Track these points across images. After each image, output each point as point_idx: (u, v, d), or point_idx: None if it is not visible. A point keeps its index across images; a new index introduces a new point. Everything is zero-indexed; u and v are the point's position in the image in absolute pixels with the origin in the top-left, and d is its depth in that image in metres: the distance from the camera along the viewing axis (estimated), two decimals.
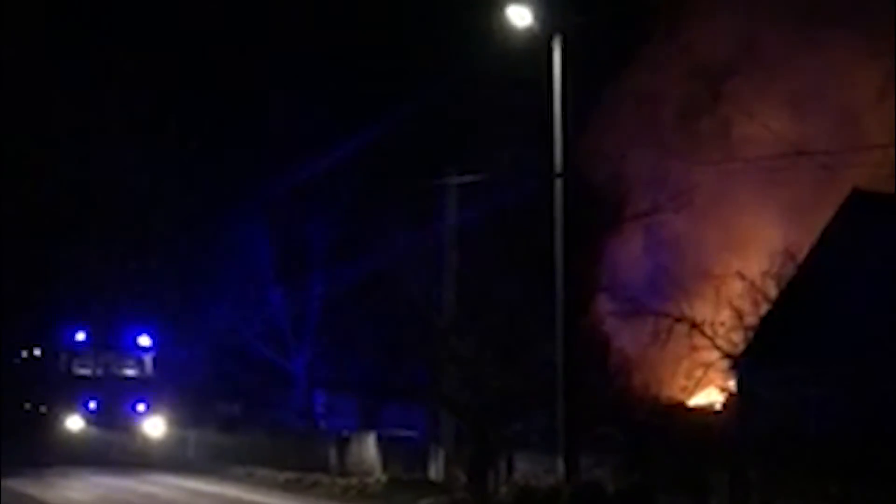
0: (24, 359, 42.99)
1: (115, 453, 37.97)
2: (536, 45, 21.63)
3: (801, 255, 22.41)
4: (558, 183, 21.57)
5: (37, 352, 42.52)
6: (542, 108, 21.69)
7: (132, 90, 36.24)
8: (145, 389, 40.07)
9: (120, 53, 36.23)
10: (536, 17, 20.89)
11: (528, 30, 21.35)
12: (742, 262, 23.52)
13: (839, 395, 20.83)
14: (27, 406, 41.14)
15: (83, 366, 40.88)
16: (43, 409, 40.28)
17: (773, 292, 22.22)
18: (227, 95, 34.70)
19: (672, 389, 24.50)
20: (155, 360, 40.57)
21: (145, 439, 39.61)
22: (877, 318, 20.66)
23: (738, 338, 22.38)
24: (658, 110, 29.21)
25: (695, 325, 22.66)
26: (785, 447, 18.88)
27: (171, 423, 39.76)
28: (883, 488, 16.65)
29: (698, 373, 23.05)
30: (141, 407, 39.83)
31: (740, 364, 22.48)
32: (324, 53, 32.38)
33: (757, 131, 25.22)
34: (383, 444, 28.05)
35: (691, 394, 24.39)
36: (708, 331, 22.42)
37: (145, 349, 40.89)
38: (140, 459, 37.22)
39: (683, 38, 28.65)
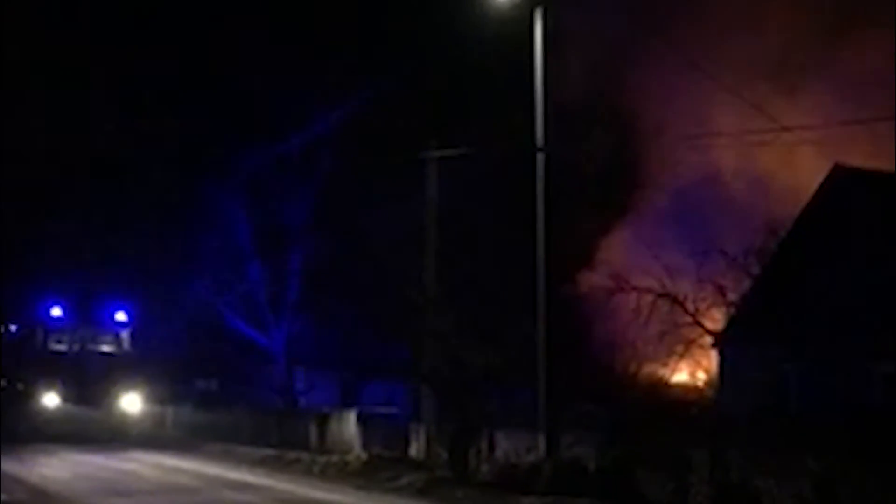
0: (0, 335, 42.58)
1: (93, 430, 37.68)
2: (519, 17, 21.41)
3: (784, 231, 22.33)
4: (540, 157, 21.39)
5: (12, 328, 42.09)
6: (524, 80, 21.50)
7: (107, 63, 35.74)
8: (123, 365, 39.75)
9: (96, 25, 35.75)
10: None
11: (511, 1, 21.12)
12: (724, 239, 23.43)
13: (820, 372, 20.83)
14: (2, 383, 40.77)
15: (59, 341, 40.49)
16: (20, 385, 39.91)
17: (755, 269, 22.16)
18: (205, 68, 34.26)
19: (654, 366, 24.44)
20: (132, 336, 40.23)
21: (123, 416, 39.34)
22: (859, 295, 20.62)
23: (719, 314, 22.32)
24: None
25: (677, 302, 22.58)
26: (766, 424, 18.85)
27: (149, 399, 39.50)
28: (863, 465, 16.61)
29: (680, 350, 23.01)
30: (118, 383, 39.52)
31: (722, 341, 22.43)
32: (302, 25, 32.00)
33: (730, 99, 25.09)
34: (364, 421, 27.92)
35: (673, 371, 24.35)
36: (690, 307, 22.34)
37: (122, 325, 40.53)
38: (118, 436, 36.98)
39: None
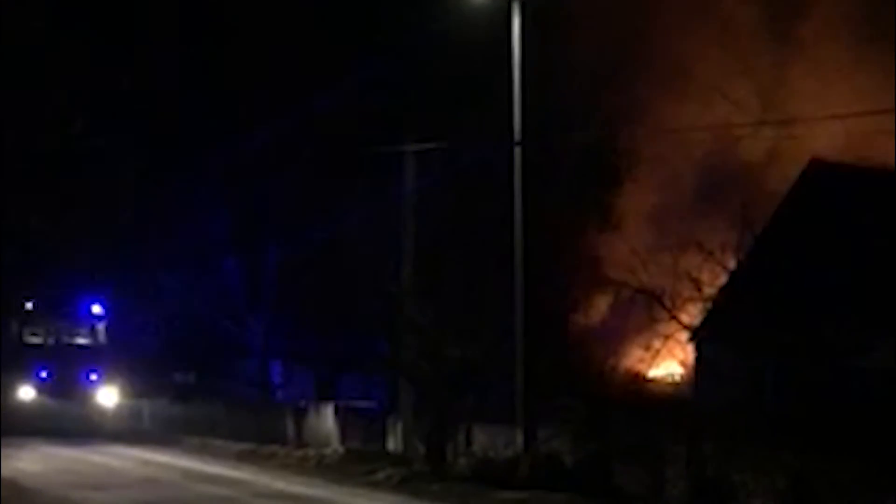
0: None
1: (68, 423, 37.43)
2: (496, 10, 21.39)
3: (760, 226, 22.38)
4: (517, 150, 21.40)
5: None
6: (501, 73, 21.49)
7: (80, 51, 35.41)
8: (98, 358, 39.46)
9: (68, 13, 35.44)
10: None
11: None
12: (701, 233, 23.46)
13: (796, 367, 20.88)
14: None
15: (34, 334, 40.15)
16: None
17: (731, 263, 22.19)
18: (181, 58, 34.03)
19: (631, 361, 24.50)
20: (108, 329, 39.92)
21: (99, 409, 39.10)
22: (835, 290, 20.69)
23: (696, 309, 22.36)
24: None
25: (654, 297, 22.60)
26: (741, 419, 18.92)
27: (125, 392, 39.27)
28: (838, 460, 16.71)
29: (657, 344, 23.05)
30: (94, 376, 39.24)
31: (698, 335, 22.48)
32: (279, 19, 31.83)
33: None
34: (341, 415, 27.87)
35: (650, 365, 24.41)
36: (667, 302, 22.37)
37: (98, 317, 40.22)
38: (93, 429, 36.77)
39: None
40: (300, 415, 29.30)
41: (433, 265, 24.19)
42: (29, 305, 40.17)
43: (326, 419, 28.20)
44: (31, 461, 28.05)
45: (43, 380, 39.63)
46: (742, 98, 24.77)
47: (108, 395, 39.32)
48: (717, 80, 25.89)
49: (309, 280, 32.82)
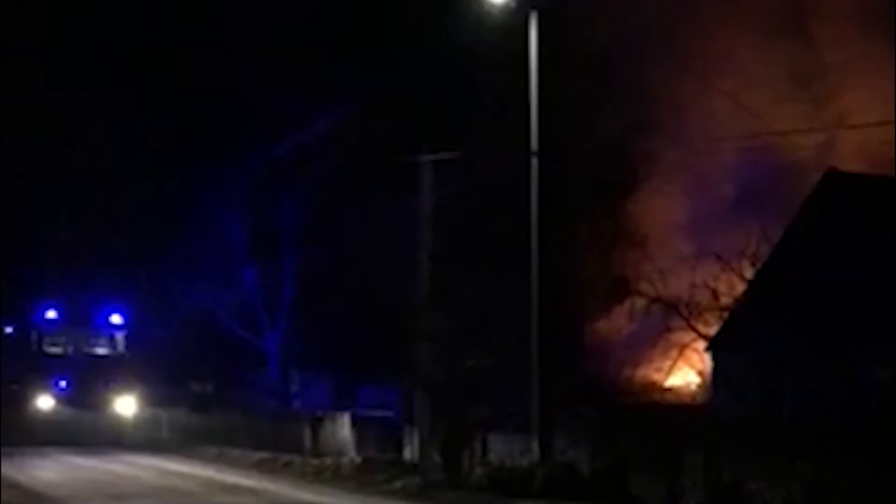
0: None
1: (87, 433, 37.67)
2: (513, 21, 21.46)
3: (777, 236, 22.36)
4: (534, 161, 21.44)
5: (8, 329, 42.03)
6: (518, 84, 21.54)
7: (101, 66, 35.71)
8: (117, 368, 39.73)
9: (90, 28, 35.70)
10: None
11: (505, 5, 21.17)
12: (718, 243, 23.45)
13: (812, 377, 20.84)
14: None
15: (54, 344, 40.48)
16: (14, 387, 39.85)
17: (748, 273, 22.17)
18: (200, 72, 34.25)
19: (647, 370, 24.46)
20: (127, 339, 40.21)
21: (117, 419, 39.33)
22: (851, 299, 20.65)
23: (713, 318, 22.33)
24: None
25: (671, 306, 22.59)
26: (758, 428, 18.87)
27: (144, 402, 39.49)
28: (854, 470, 16.65)
29: (673, 354, 23.02)
30: (113, 386, 39.49)
31: (715, 345, 22.44)
32: (297, 31, 32.01)
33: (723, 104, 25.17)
34: (358, 424, 27.92)
35: (667, 375, 24.36)
36: (684, 311, 22.35)
37: (117, 327, 40.52)
38: (112, 439, 36.98)
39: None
40: (317, 424, 29.37)
41: (449, 275, 24.22)
42: (49, 315, 40.47)
43: (343, 428, 28.25)
44: (51, 470, 28.22)
45: (62, 389, 39.89)
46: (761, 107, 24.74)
47: (126, 405, 39.54)
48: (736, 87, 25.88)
49: (326, 290, 32.94)
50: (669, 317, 22.78)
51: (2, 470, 26.11)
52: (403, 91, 26.77)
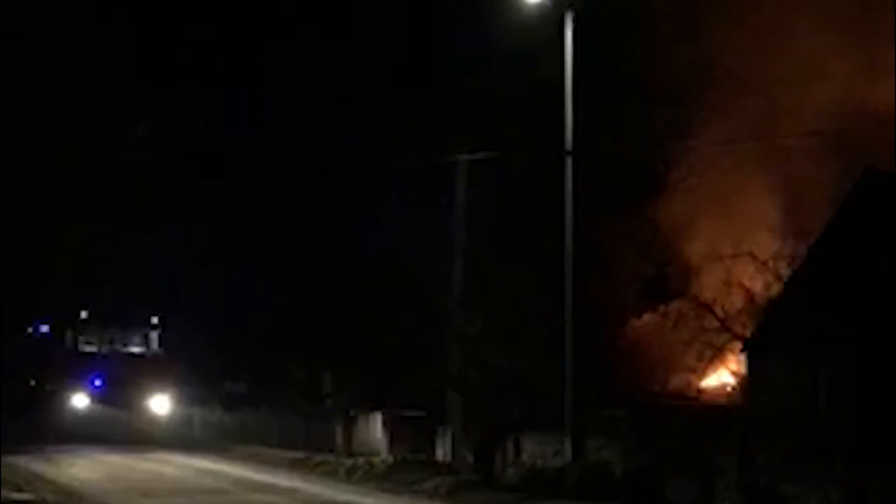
0: (30, 335, 42.91)
1: (121, 431, 37.93)
2: (550, 21, 21.39)
3: (813, 236, 22.11)
4: (568, 161, 21.36)
5: (43, 328, 42.42)
6: (554, 84, 21.47)
7: (135, 64, 35.84)
8: (151, 367, 39.98)
9: (115, 29, 35.85)
10: None
11: (541, 5, 21.12)
12: (753, 243, 23.21)
13: (849, 379, 20.58)
14: (32, 383, 41.06)
15: (89, 343, 40.82)
16: (49, 386, 40.22)
17: (784, 273, 21.93)
18: (236, 75, 34.37)
19: (682, 371, 24.25)
20: (161, 338, 40.48)
21: (151, 417, 39.57)
22: (888, 300, 20.39)
23: (748, 319, 22.11)
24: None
25: (705, 307, 22.40)
26: (794, 430, 18.68)
27: (177, 401, 39.71)
28: (893, 473, 16.43)
29: (708, 355, 22.81)
30: (147, 385, 39.75)
31: (751, 346, 22.22)
32: (332, 29, 32.04)
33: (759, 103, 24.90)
34: (390, 423, 27.93)
35: (701, 376, 24.15)
36: (719, 312, 22.16)
37: (152, 327, 40.78)
38: (146, 437, 37.20)
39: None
40: (350, 423, 29.42)
41: (483, 275, 24.16)
42: (84, 314, 40.80)
43: (375, 428, 28.27)
44: (87, 468, 28.41)
45: (97, 388, 40.18)
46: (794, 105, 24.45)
47: (160, 404, 39.78)
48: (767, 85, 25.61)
49: (360, 290, 32.94)
50: (704, 317, 22.56)
51: (36, 468, 26.33)
52: (440, 91, 26.75)
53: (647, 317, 25.44)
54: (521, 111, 25.39)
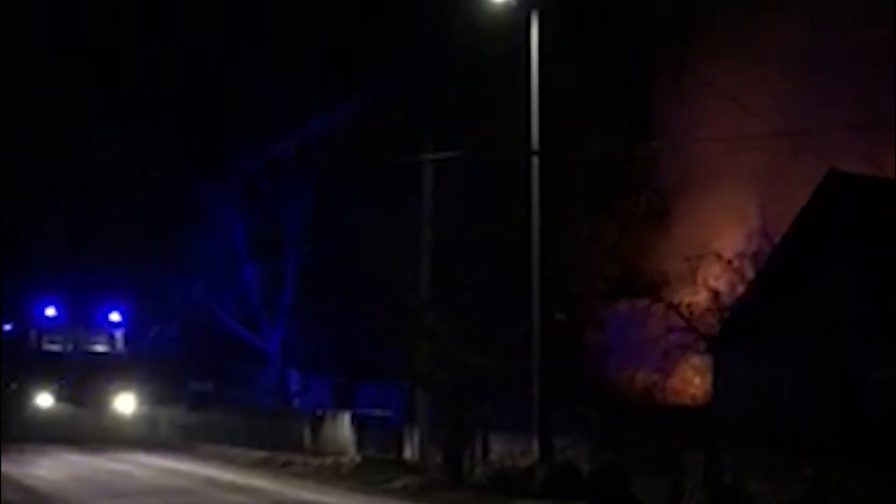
0: None
1: (86, 431, 37.62)
2: (514, 19, 21.45)
3: (778, 236, 22.33)
4: (535, 160, 21.43)
5: (7, 327, 41.98)
6: (519, 83, 21.53)
7: (102, 64, 35.69)
8: (116, 366, 39.68)
9: (89, 24, 35.68)
10: None
11: (506, 4, 21.17)
12: (719, 242, 23.43)
13: (814, 378, 20.83)
14: None
15: (53, 342, 40.41)
16: (13, 385, 39.83)
17: (749, 273, 22.15)
18: (200, 70, 34.23)
19: (648, 370, 24.43)
20: (126, 337, 40.16)
21: (116, 417, 39.28)
22: (852, 300, 20.64)
23: (714, 319, 22.31)
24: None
25: (671, 306, 22.58)
26: (759, 429, 18.88)
27: (143, 400, 39.45)
28: (855, 472, 16.64)
29: (674, 354, 23.00)
30: (112, 384, 39.45)
31: (716, 345, 22.43)
32: (296, 28, 31.98)
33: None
34: (358, 423, 27.91)
35: (668, 375, 24.35)
36: (685, 312, 22.35)
37: (116, 325, 40.46)
38: (111, 437, 36.92)
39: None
40: (317, 423, 29.36)
41: (450, 274, 24.21)
42: (48, 313, 40.41)
43: (343, 427, 28.24)
44: (51, 468, 28.18)
45: (61, 387, 39.83)
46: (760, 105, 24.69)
47: (125, 403, 39.50)
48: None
49: (326, 289, 32.92)
50: (670, 317, 22.75)
51: (2, 468, 26.07)
52: (405, 90, 26.76)
53: (614, 316, 25.60)
54: (487, 110, 25.47)
